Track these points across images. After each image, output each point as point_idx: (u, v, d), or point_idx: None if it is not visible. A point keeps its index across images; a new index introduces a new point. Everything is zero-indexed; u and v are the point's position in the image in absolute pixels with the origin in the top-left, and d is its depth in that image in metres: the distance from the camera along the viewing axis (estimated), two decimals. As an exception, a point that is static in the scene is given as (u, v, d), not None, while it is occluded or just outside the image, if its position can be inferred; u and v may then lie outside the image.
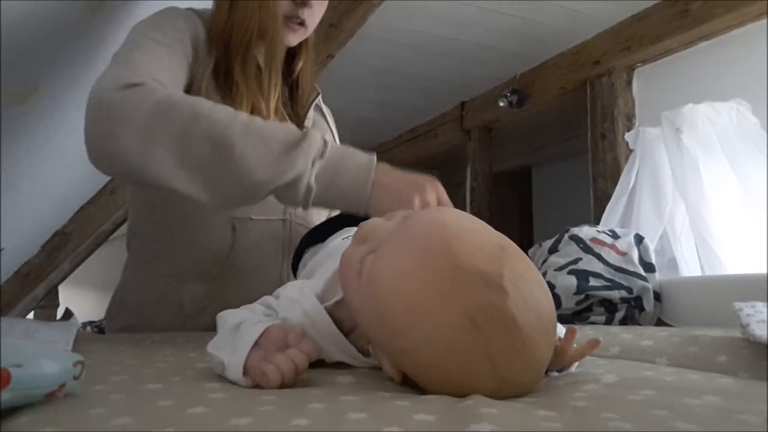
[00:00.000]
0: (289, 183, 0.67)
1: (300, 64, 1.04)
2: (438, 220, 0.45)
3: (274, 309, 0.56)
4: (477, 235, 0.44)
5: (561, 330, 0.53)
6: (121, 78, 0.70)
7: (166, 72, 0.78)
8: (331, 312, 0.52)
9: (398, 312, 0.42)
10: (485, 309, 0.40)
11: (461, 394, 0.40)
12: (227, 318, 0.53)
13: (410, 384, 0.45)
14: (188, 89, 0.86)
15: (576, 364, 0.54)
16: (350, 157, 0.70)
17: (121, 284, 0.98)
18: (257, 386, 0.44)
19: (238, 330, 0.49)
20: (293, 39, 0.97)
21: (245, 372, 0.44)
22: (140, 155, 0.67)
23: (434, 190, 0.68)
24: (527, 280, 0.42)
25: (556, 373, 0.52)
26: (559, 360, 0.50)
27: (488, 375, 0.40)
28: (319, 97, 1.09)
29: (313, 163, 0.67)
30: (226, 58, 0.91)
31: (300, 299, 0.53)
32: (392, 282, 0.43)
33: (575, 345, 0.51)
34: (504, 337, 0.40)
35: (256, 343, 0.46)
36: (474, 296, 0.40)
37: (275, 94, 0.92)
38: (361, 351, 0.52)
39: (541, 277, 0.45)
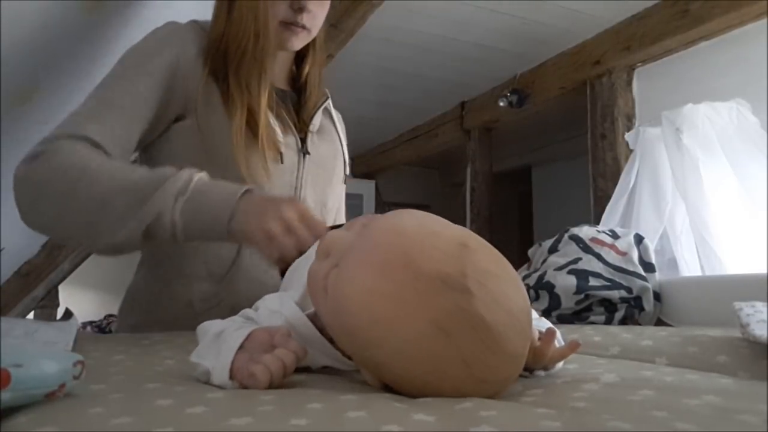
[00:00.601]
0: (155, 221, 0.73)
1: (307, 68, 1.03)
2: (395, 227, 0.44)
3: (254, 321, 0.55)
4: (436, 237, 0.43)
5: (546, 325, 0.53)
6: (37, 146, 0.80)
7: (112, 116, 0.84)
8: (313, 319, 0.52)
9: (366, 327, 0.42)
10: (451, 313, 0.39)
11: (442, 396, 0.40)
12: (208, 328, 0.52)
13: (393, 391, 0.45)
14: (182, 107, 0.90)
15: (560, 363, 0.53)
16: (216, 190, 0.75)
17: (133, 284, 1.00)
18: (244, 388, 0.43)
19: (220, 337, 0.49)
20: (296, 42, 0.96)
21: (231, 375, 0.44)
22: (42, 219, 0.79)
23: (294, 208, 0.73)
24: (493, 276, 0.42)
25: (542, 373, 0.52)
26: (539, 361, 0.50)
27: (465, 377, 0.40)
28: (329, 101, 1.07)
29: (175, 199, 0.73)
30: (225, 66, 0.92)
31: (280, 308, 0.53)
32: (356, 297, 0.42)
33: (557, 344, 0.51)
34: (474, 339, 0.39)
35: (241, 347, 0.46)
36: (438, 302, 0.39)
37: (264, 94, 0.91)
38: (346, 355, 0.52)
39: (512, 270, 0.44)
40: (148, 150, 0.95)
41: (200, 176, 0.76)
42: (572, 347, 0.52)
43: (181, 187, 0.74)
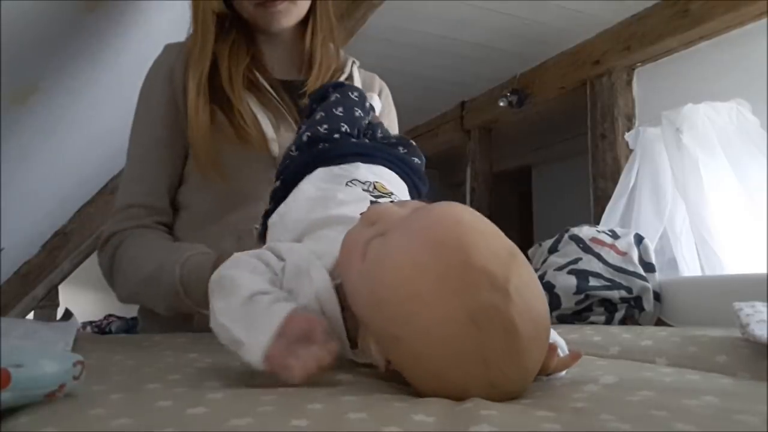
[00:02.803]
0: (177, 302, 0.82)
1: (308, 40, 0.97)
2: (453, 215, 0.44)
3: (275, 271, 0.52)
4: (490, 237, 0.43)
5: (554, 337, 0.53)
6: (103, 234, 0.94)
7: (150, 172, 0.94)
8: (338, 292, 0.50)
9: (400, 299, 0.41)
10: (488, 310, 0.40)
11: (447, 391, 0.40)
12: (234, 281, 0.48)
13: (393, 375, 0.45)
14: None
15: (562, 372, 0.53)
16: (198, 276, 0.78)
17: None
18: (272, 373, 0.43)
19: (252, 302, 0.47)
20: (281, 19, 0.91)
21: (265, 358, 0.43)
22: (123, 296, 0.93)
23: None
24: (531, 290, 0.42)
25: (544, 378, 0.52)
26: (542, 371, 0.49)
27: (479, 376, 0.40)
28: (346, 72, 0.99)
29: (176, 294, 0.80)
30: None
31: (311, 273, 0.50)
32: (399, 268, 0.42)
33: (560, 354, 0.51)
34: (502, 341, 0.40)
35: (279, 329, 0.44)
36: (479, 296, 0.40)
37: (200, 80, 0.90)
38: (349, 339, 0.50)
39: (542, 289, 0.45)
40: None
41: (180, 268, 0.80)
42: (574, 358, 0.51)
43: (174, 286, 0.80)
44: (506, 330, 0.40)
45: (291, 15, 0.92)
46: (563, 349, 0.54)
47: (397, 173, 0.71)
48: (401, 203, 0.51)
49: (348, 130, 0.72)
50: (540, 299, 0.43)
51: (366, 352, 0.46)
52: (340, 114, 0.72)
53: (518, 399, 0.42)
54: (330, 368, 0.44)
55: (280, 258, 0.52)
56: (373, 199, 0.61)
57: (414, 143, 0.79)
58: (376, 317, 0.44)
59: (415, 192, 0.73)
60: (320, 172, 0.67)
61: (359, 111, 0.74)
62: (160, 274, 0.82)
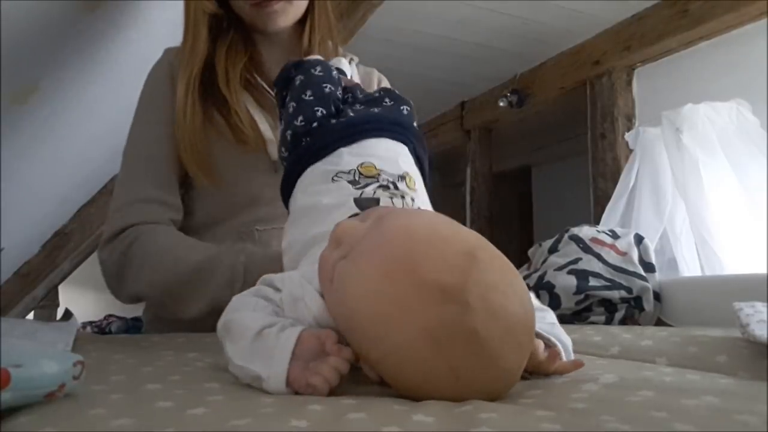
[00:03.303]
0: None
1: (306, 40, 0.97)
2: (406, 228, 0.44)
3: (276, 303, 0.53)
4: (445, 245, 0.42)
5: (562, 335, 0.53)
6: (107, 229, 0.90)
7: (150, 169, 0.91)
8: None
9: (365, 323, 0.42)
10: (446, 324, 0.39)
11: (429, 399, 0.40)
12: (243, 323, 0.49)
13: (388, 384, 0.45)
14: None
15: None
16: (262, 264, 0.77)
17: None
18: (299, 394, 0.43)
19: (261, 337, 0.47)
20: (278, 19, 0.90)
21: (287, 384, 0.44)
22: (139, 292, 0.88)
23: None
24: (496, 290, 0.41)
25: (544, 377, 0.52)
26: (541, 372, 0.50)
27: (453, 388, 0.40)
28: (350, 66, 0.98)
29: (232, 287, 0.77)
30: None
31: (306, 300, 0.51)
32: (358, 292, 0.43)
33: (563, 358, 0.51)
34: (466, 351, 0.39)
35: (292, 353, 0.45)
36: (435, 312, 0.39)
37: (188, 75, 0.90)
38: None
39: (519, 283, 0.44)
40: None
41: (246, 257, 0.80)
42: (576, 365, 0.51)
43: (232, 277, 0.78)
44: (468, 340, 0.39)
45: (287, 15, 0.91)
46: (568, 350, 0.53)
47: (387, 137, 0.68)
48: (366, 213, 0.51)
49: (324, 112, 0.69)
50: (512, 296, 0.42)
51: (361, 366, 0.47)
52: (311, 99, 0.70)
53: (518, 399, 0.42)
54: (347, 372, 0.44)
55: (277, 290, 0.54)
56: (356, 193, 0.60)
57: (398, 93, 0.76)
58: (352, 338, 0.45)
59: (410, 146, 0.70)
60: (308, 173, 0.66)
61: (328, 85, 0.72)
62: (216, 265, 0.79)
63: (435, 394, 0.40)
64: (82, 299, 5.14)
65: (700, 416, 0.35)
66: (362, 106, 0.73)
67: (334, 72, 0.75)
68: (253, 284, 0.69)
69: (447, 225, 0.45)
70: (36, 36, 1.10)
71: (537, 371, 0.50)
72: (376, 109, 0.72)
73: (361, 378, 0.47)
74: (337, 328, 0.47)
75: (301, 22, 0.96)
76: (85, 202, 2.40)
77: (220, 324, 0.50)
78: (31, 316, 2.95)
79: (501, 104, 3.27)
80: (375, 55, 3.05)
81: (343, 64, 0.88)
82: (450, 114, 3.92)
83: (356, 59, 1.03)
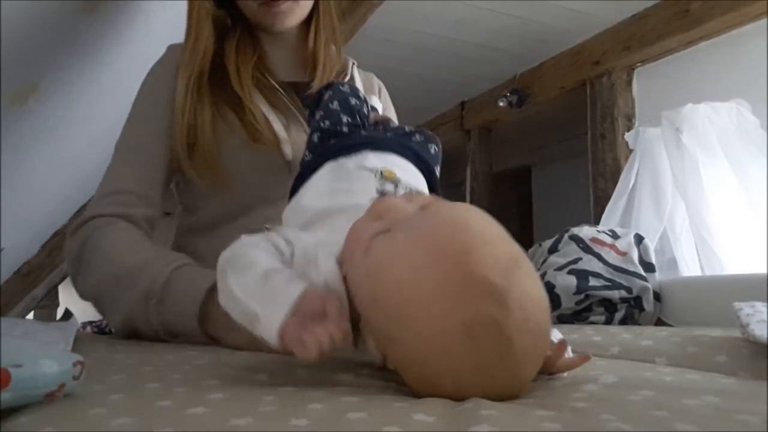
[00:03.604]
0: (143, 324, 0.74)
1: (312, 42, 0.96)
2: (460, 219, 0.44)
3: (285, 254, 0.52)
4: (495, 245, 0.42)
5: (557, 335, 0.53)
6: (85, 214, 0.86)
7: (137, 160, 0.89)
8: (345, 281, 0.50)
9: (397, 302, 0.41)
10: (485, 322, 0.39)
11: (438, 394, 0.40)
12: (250, 258, 0.48)
13: (390, 369, 0.45)
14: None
15: (566, 373, 0.53)
16: (182, 290, 0.72)
17: None
18: (287, 352, 0.43)
19: (268, 280, 0.46)
20: (284, 19, 0.90)
21: (280, 334, 0.43)
22: (84, 292, 0.84)
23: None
24: (533, 302, 0.41)
25: (546, 377, 0.52)
26: (546, 369, 0.50)
27: (471, 384, 0.40)
28: (352, 72, 0.99)
29: (147, 304, 0.73)
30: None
31: (319, 261, 0.50)
32: (399, 270, 0.42)
33: (567, 355, 0.51)
34: (495, 353, 0.39)
35: (294, 306, 0.44)
36: (478, 307, 0.39)
37: (187, 74, 0.89)
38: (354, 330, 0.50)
39: (547, 300, 0.44)
40: (180, 172, 0.96)
41: (170, 270, 0.74)
42: (582, 359, 0.51)
43: (149, 290, 0.73)
44: (501, 344, 0.39)
45: (294, 15, 0.91)
46: (568, 351, 0.53)
47: (412, 162, 0.70)
48: (410, 197, 0.50)
49: (349, 120, 0.72)
50: (541, 308, 0.42)
51: (366, 344, 0.46)
52: (336, 108, 0.72)
53: (517, 399, 0.42)
54: (341, 345, 0.43)
55: (289, 243, 0.52)
56: (379, 186, 0.60)
57: (430, 132, 0.79)
58: (374, 315, 0.44)
59: (429, 183, 0.71)
60: (328, 165, 0.66)
61: (354, 99, 0.74)
62: (140, 272, 0.75)
63: (447, 386, 0.40)
64: (82, 299, 5.13)
65: (701, 416, 0.35)
66: (392, 134, 0.76)
67: (361, 93, 0.77)
68: (172, 304, 0.71)
69: (496, 227, 0.45)
70: (36, 36, 1.10)
71: (544, 368, 0.49)
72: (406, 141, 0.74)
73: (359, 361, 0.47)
74: (352, 298, 0.46)
75: (306, 22, 0.96)
76: (85, 202, 2.40)
77: (224, 254, 0.49)
78: (31, 316, 2.95)
79: (501, 104, 3.27)
80: (375, 55, 3.07)
81: (375, 101, 0.91)
82: (450, 114, 3.92)
83: (356, 63, 1.03)
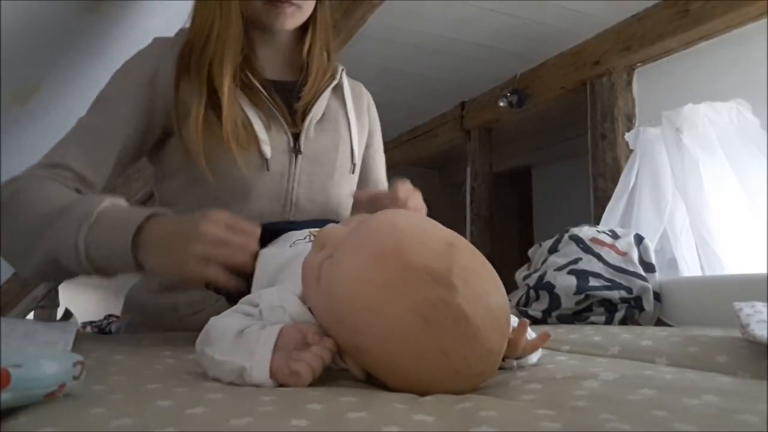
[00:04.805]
0: (65, 249, 0.73)
1: (307, 47, 0.97)
2: (389, 223, 0.48)
3: (255, 315, 0.55)
4: (426, 235, 0.46)
5: (515, 321, 0.56)
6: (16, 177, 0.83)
7: (92, 141, 0.88)
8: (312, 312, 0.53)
9: (354, 312, 0.45)
10: (435, 304, 0.42)
11: (417, 386, 0.43)
12: (223, 326, 0.51)
13: (374, 381, 0.47)
14: (166, 121, 0.91)
15: (539, 355, 0.57)
16: (119, 216, 0.73)
17: (132, 285, 1.02)
18: (281, 385, 0.45)
19: (243, 335, 0.48)
20: (286, 21, 0.91)
21: (271, 374, 0.45)
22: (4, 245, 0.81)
23: (212, 222, 0.67)
24: (477, 275, 0.45)
25: (514, 362, 0.55)
26: (512, 351, 0.53)
27: (442, 368, 0.42)
28: (338, 80, 1.00)
29: (79, 227, 0.72)
30: (190, 61, 0.91)
31: (281, 303, 0.53)
32: (348, 284, 0.45)
33: (528, 337, 0.54)
34: (455, 330, 0.42)
35: (275, 345, 0.46)
36: (423, 293, 0.42)
37: (225, 80, 0.88)
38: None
39: (493, 271, 0.47)
40: (158, 166, 0.97)
41: (110, 202, 0.75)
42: (543, 338, 0.55)
43: (85, 213, 0.73)
44: (457, 319, 0.42)
45: (295, 19, 0.93)
46: (530, 333, 0.56)
47: None
48: (346, 221, 0.55)
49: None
50: (490, 281, 0.46)
51: (346, 364, 0.49)
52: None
53: (518, 397, 0.42)
54: (329, 362, 0.46)
55: (255, 305, 0.55)
56: (315, 232, 0.66)
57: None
58: (339, 333, 0.47)
59: None
60: (263, 252, 0.70)
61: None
62: (74, 204, 0.75)
63: (424, 377, 0.43)
64: (82, 299, 5.15)
65: (701, 415, 0.35)
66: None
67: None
68: (108, 225, 0.71)
69: (425, 220, 0.50)
70: (37, 36, 1.10)
71: (509, 349, 0.52)
72: None
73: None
74: (321, 325, 0.49)
75: (302, 27, 0.97)
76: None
77: (198, 340, 0.51)
78: (31, 316, 2.95)
79: (501, 104, 3.27)
80: (375, 55, 3.07)
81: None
82: (450, 114, 3.92)
83: (344, 69, 1.04)
